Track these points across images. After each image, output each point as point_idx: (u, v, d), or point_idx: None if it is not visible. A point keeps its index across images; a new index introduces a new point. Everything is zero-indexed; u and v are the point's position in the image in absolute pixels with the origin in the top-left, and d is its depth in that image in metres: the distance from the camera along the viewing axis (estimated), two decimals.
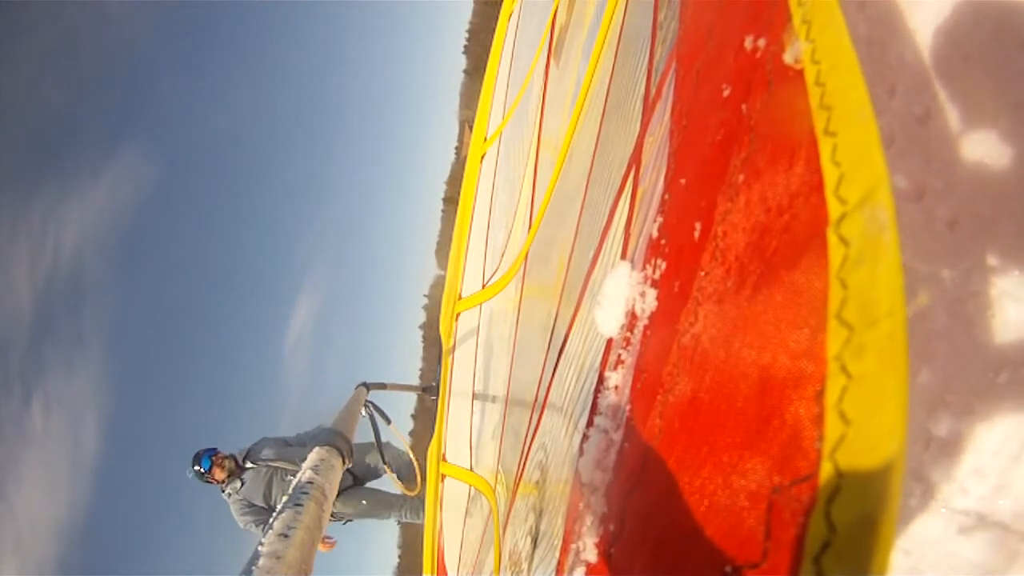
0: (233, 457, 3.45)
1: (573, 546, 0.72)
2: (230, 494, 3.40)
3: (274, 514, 0.61)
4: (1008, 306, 0.54)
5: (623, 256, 0.85)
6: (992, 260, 0.55)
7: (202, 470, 3.34)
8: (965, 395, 0.54)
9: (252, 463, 3.41)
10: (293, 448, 3.49)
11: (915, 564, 0.54)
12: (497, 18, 3.34)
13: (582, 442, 0.79)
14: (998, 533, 0.52)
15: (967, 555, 0.52)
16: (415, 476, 3.04)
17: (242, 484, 3.38)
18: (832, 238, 0.33)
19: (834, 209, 0.34)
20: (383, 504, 3.48)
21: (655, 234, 0.70)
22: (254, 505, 3.39)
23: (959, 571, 0.53)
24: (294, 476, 2.97)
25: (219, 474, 3.35)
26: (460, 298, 2.87)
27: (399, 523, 3.17)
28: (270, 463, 3.39)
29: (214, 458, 3.36)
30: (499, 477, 1.83)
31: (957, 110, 0.60)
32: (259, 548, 0.54)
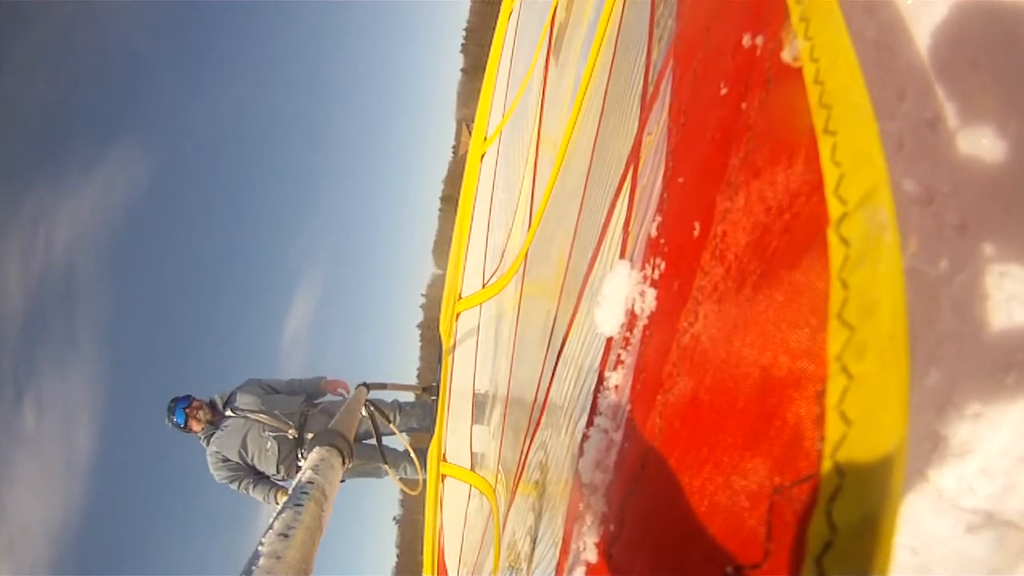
0: (212, 404, 3.18)
1: (573, 546, 0.72)
2: (207, 445, 3.13)
3: (274, 514, 0.61)
4: (1016, 309, 0.54)
5: (622, 255, 0.85)
6: (1001, 263, 0.56)
7: (178, 423, 3.09)
8: (973, 396, 0.55)
9: (232, 411, 3.13)
10: (278, 397, 3.20)
11: (923, 562, 0.55)
12: (494, 17, 3.34)
13: (582, 442, 0.79)
14: (1006, 532, 0.52)
15: (975, 553, 0.53)
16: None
17: (219, 434, 3.10)
18: (833, 238, 0.33)
19: (834, 209, 0.33)
20: (376, 464, 3.17)
21: (654, 233, 0.70)
22: (229, 460, 3.12)
23: (967, 569, 0.53)
24: (272, 431, 2.87)
25: (195, 426, 3.10)
26: (460, 298, 2.87)
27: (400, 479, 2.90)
28: (248, 414, 3.10)
29: (188, 409, 3.09)
30: (499, 477, 1.83)
31: (966, 115, 0.60)
32: (259, 548, 0.54)
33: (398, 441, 3.02)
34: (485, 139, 3.18)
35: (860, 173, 0.33)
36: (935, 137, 0.61)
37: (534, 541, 1.11)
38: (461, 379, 2.70)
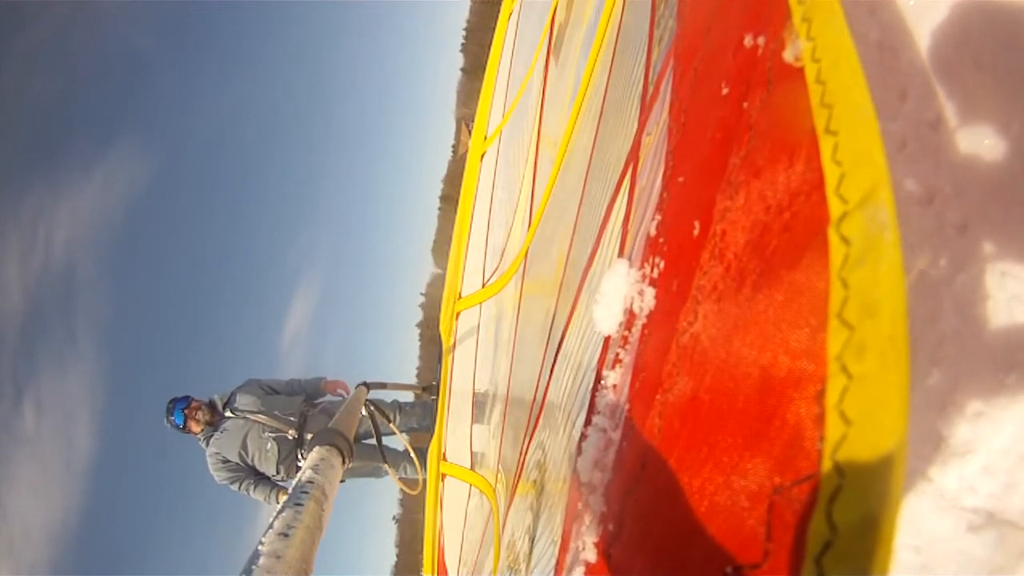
0: (212, 404, 3.17)
1: (572, 545, 0.72)
2: (206, 446, 3.12)
3: (274, 514, 0.60)
4: (1018, 309, 0.55)
5: (620, 254, 0.85)
6: (1003, 264, 0.56)
7: (177, 424, 3.08)
8: (975, 396, 0.55)
9: (231, 412, 3.12)
10: (278, 398, 3.20)
11: (925, 562, 0.55)
12: (494, 17, 3.34)
13: (580, 441, 0.79)
14: (1008, 531, 0.52)
15: (977, 553, 0.53)
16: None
17: (219, 435, 3.09)
18: (833, 237, 0.33)
19: (835, 208, 0.33)
20: (376, 464, 3.18)
21: (653, 232, 0.70)
22: (229, 461, 3.11)
23: (969, 569, 0.53)
24: (272, 432, 2.87)
25: (194, 427, 3.09)
26: (460, 297, 2.87)
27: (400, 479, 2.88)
28: (248, 415, 3.10)
29: (187, 410, 3.08)
30: (499, 476, 1.83)
31: (968, 115, 0.60)
32: (259, 547, 0.54)
33: (398, 441, 3.02)
34: (485, 139, 3.18)
35: (861, 172, 0.33)
36: (937, 137, 0.61)
37: (533, 540, 1.11)
38: (461, 378, 2.70)
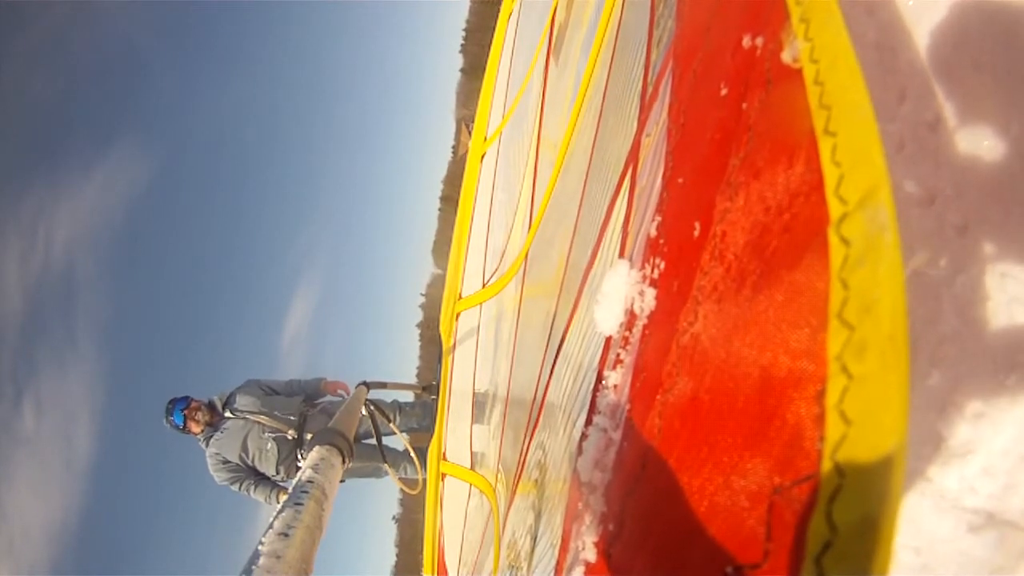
0: (211, 405, 3.17)
1: (572, 545, 0.72)
2: (206, 447, 3.12)
3: (274, 514, 0.61)
4: (1018, 310, 0.55)
5: (621, 255, 0.85)
6: (1003, 265, 0.56)
7: (176, 424, 3.08)
8: (975, 396, 0.55)
9: (231, 412, 3.13)
10: (278, 398, 3.20)
11: (926, 562, 0.55)
12: (494, 17, 3.34)
13: (581, 441, 0.79)
14: (1007, 531, 0.52)
15: (977, 553, 0.53)
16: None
17: (219, 435, 3.09)
18: (833, 238, 0.33)
19: (835, 209, 0.33)
20: (376, 464, 3.19)
21: (653, 233, 0.70)
22: (229, 461, 3.12)
23: (969, 569, 0.53)
24: (272, 432, 2.85)
25: (194, 428, 3.09)
26: (460, 298, 2.87)
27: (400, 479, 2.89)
28: (248, 416, 3.10)
29: (187, 411, 3.07)
30: (499, 476, 1.83)
31: (967, 116, 0.60)
32: (259, 548, 0.54)
33: (398, 441, 3.02)
34: (485, 139, 3.18)
35: (860, 173, 0.33)
36: (936, 138, 0.61)
37: (534, 540, 1.11)
38: (461, 378, 2.70)
